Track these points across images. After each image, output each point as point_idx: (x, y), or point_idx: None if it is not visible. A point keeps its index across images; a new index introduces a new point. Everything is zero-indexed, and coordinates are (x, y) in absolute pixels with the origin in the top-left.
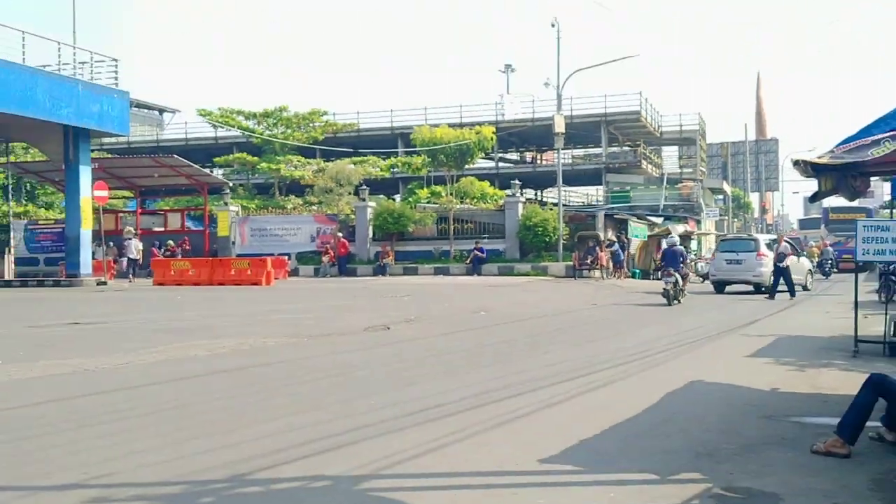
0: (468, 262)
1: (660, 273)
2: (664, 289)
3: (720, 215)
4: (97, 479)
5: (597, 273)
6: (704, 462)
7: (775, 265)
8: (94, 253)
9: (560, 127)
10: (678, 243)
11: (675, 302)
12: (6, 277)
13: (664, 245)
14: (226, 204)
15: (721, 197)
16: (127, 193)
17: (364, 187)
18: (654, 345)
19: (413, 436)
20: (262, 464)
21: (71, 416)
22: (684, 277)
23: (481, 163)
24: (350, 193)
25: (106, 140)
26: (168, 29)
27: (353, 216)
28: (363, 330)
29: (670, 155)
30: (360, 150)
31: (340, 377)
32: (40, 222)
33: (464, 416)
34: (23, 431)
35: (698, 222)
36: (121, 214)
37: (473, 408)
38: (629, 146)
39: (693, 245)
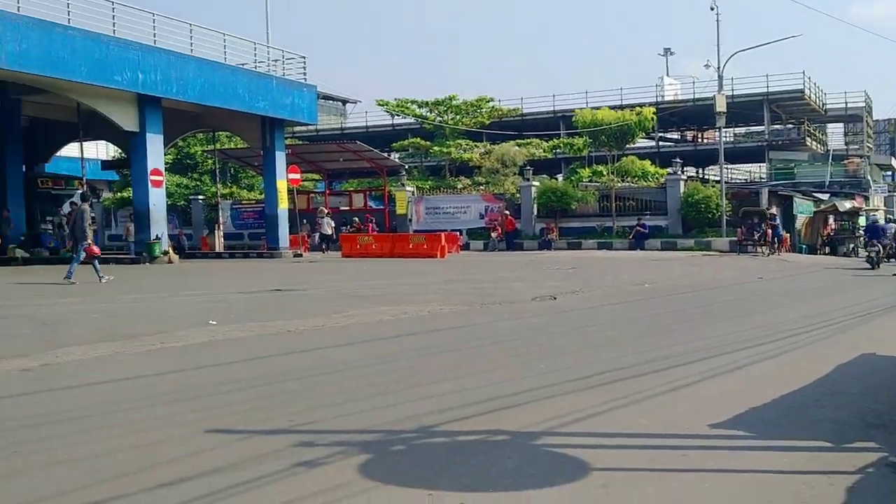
0: (631, 237)
1: (864, 245)
2: (868, 256)
3: (889, 191)
4: (302, 426)
5: (761, 249)
6: (877, 433)
7: None
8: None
9: (721, 106)
10: (880, 220)
11: (877, 267)
12: (217, 250)
13: (862, 221)
14: (402, 185)
15: (889, 173)
16: (316, 176)
17: (528, 168)
18: (827, 316)
19: (584, 398)
20: (445, 418)
21: (276, 371)
22: (885, 248)
23: (642, 142)
24: (515, 174)
25: (297, 128)
26: (347, 25)
27: (518, 195)
28: (531, 299)
29: (835, 131)
30: (523, 133)
31: (511, 342)
32: (243, 202)
33: (632, 381)
34: (237, 384)
35: (866, 198)
36: (311, 195)
37: (642, 374)
38: (792, 124)
39: (861, 221)
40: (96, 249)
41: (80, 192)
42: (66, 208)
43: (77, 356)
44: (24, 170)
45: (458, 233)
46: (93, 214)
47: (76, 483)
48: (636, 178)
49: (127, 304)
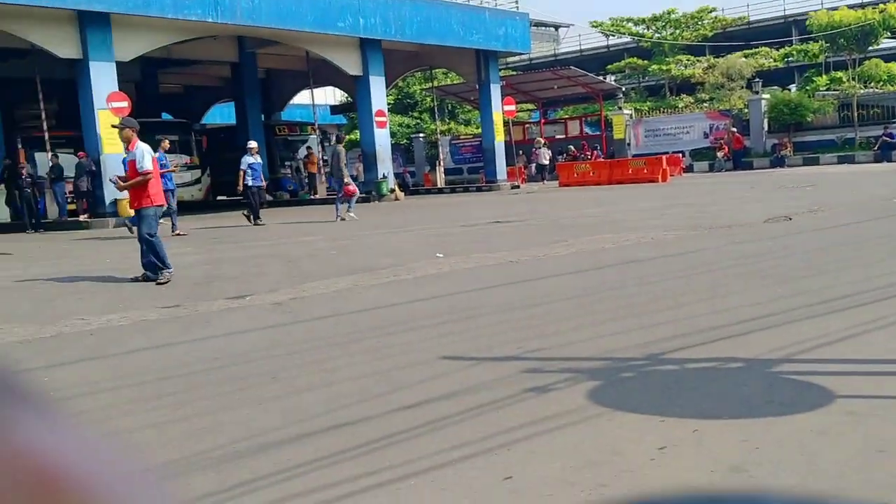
0: (876, 148)
1: None
2: None
3: None
4: (530, 353)
5: None
6: None
7: None
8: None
9: None
10: None
11: None
12: (439, 186)
13: None
14: (619, 108)
15: None
16: (531, 106)
17: (757, 80)
18: None
19: (828, 323)
20: (674, 345)
21: (500, 300)
22: None
23: (887, 43)
24: (742, 87)
25: (510, 59)
26: None
27: (745, 110)
28: (763, 221)
29: None
30: (750, 43)
31: (742, 267)
32: (461, 137)
33: (882, 304)
34: (465, 313)
35: None
36: (526, 126)
37: (893, 297)
38: None
39: None
40: (353, 188)
41: (319, 136)
42: (301, 153)
43: (320, 290)
44: (262, 118)
45: (680, 155)
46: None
47: (327, 406)
48: (881, 84)
49: (361, 240)
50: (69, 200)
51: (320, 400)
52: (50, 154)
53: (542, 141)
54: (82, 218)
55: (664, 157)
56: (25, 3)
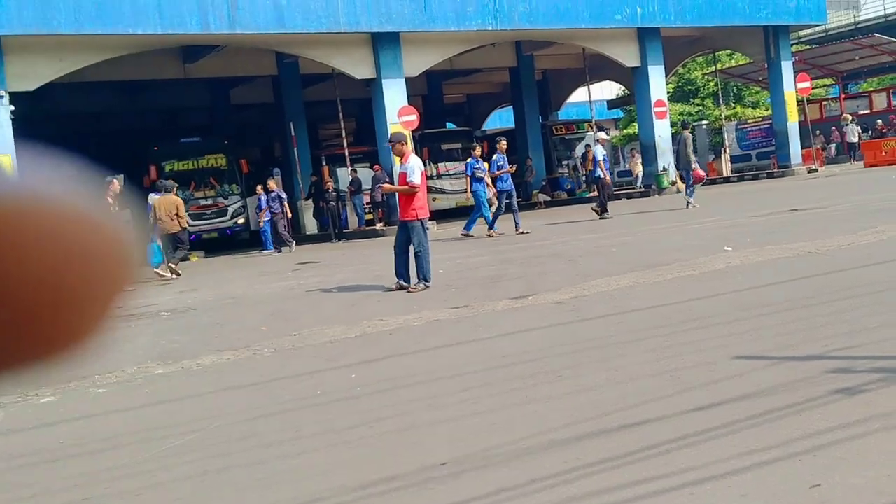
0: None
1: None
2: None
3: None
4: (836, 352)
5: None
6: None
7: None
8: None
9: None
10: None
11: None
12: (724, 175)
13: None
14: None
15: None
16: (828, 81)
17: None
18: None
19: None
20: None
21: (800, 295)
22: None
23: None
24: None
25: (803, 32)
26: None
27: None
28: None
29: None
30: None
31: None
32: (748, 121)
33: None
34: (759, 309)
35: None
36: (824, 102)
37: None
38: None
39: None
40: (701, 173)
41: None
42: (579, 150)
43: (602, 288)
44: (539, 119)
45: None
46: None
47: (615, 405)
48: None
49: (642, 235)
50: (367, 211)
51: (607, 399)
52: (349, 168)
53: (850, 117)
54: (379, 227)
55: None
56: (328, 31)
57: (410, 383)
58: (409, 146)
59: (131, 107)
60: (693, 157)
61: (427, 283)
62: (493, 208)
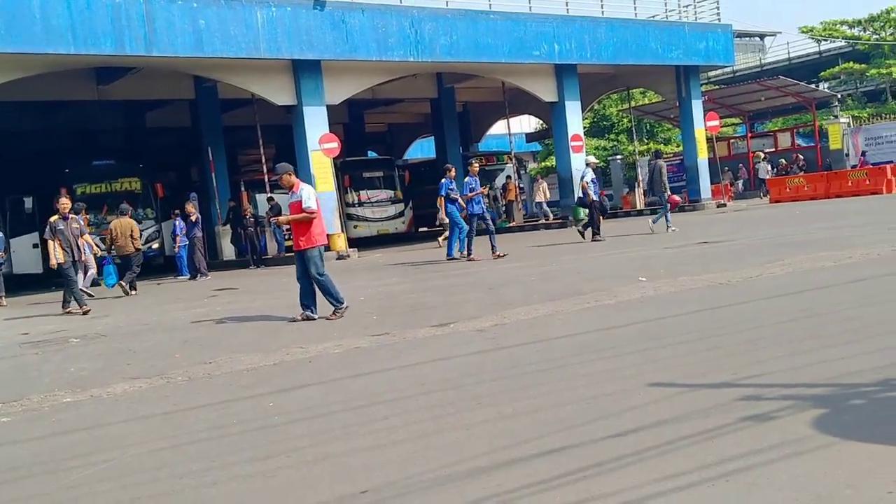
0: None
1: None
2: None
3: None
4: (746, 380)
5: None
6: None
7: None
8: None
9: None
10: None
11: None
12: (638, 207)
13: None
14: (835, 117)
15: None
16: (735, 120)
17: None
18: None
19: None
20: None
21: (710, 324)
22: None
23: None
24: None
25: (712, 73)
26: None
27: None
28: None
29: None
30: None
31: None
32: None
33: None
34: (672, 338)
35: None
36: (732, 140)
37: None
38: None
39: None
40: (677, 199)
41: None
42: (500, 181)
43: (521, 316)
44: (461, 150)
45: None
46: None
47: (534, 432)
48: None
49: (561, 265)
50: (287, 238)
51: (527, 426)
52: (268, 195)
53: (763, 154)
54: None
55: (889, 166)
56: (248, 57)
57: (329, 411)
58: (295, 176)
59: (42, 127)
60: (667, 185)
61: (340, 305)
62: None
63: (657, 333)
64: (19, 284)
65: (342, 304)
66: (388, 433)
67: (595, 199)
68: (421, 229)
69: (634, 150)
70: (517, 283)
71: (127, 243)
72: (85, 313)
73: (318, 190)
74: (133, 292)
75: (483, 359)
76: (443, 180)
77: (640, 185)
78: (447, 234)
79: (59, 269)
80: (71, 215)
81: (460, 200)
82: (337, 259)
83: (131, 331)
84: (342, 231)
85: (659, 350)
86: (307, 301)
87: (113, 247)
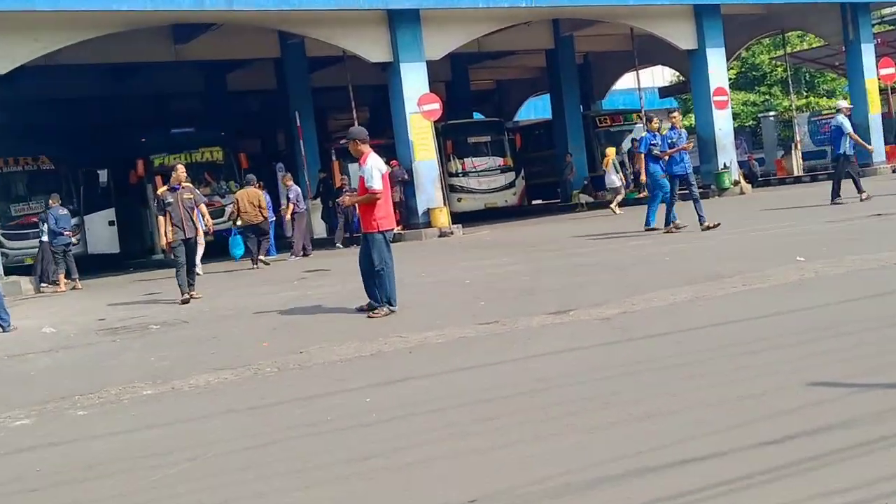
0: None
1: None
2: None
3: None
4: None
5: None
6: None
7: None
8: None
9: None
10: None
11: None
12: (795, 174)
13: None
14: None
15: None
16: None
17: None
18: None
19: None
20: None
21: (880, 313)
22: None
23: None
24: None
25: (885, 10)
26: None
27: None
28: None
29: None
30: None
31: None
32: (823, 113)
33: None
34: (835, 329)
35: None
36: None
37: None
38: None
39: None
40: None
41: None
42: (626, 145)
43: (654, 302)
44: (581, 109)
45: None
46: None
47: (670, 437)
48: None
49: (702, 243)
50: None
51: (661, 430)
52: (320, 169)
53: None
54: (398, 230)
55: None
56: (338, 8)
57: (432, 409)
58: (368, 146)
59: (115, 93)
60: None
61: (392, 307)
62: (620, 197)
63: (818, 323)
64: (95, 265)
65: (394, 306)
66: (499, 434)
67: (849, 151)
68: (535, 202)
69: (791, 106)
70: (648, 264)
71: (256, 213)
72: (185, 302)
73: (416, 158)
74: (262, 265)
75: (609, 352)
76: (643, 134)
77: (798, 146)
78: (619, 198)
79: (170, 249)
80: (183, 184)
81: (663, 158)
82: (439, 236)
83: (215, 316)
84: (444, 204)
85: (820, 343)
86: (372, 290)
87: (239, 217)
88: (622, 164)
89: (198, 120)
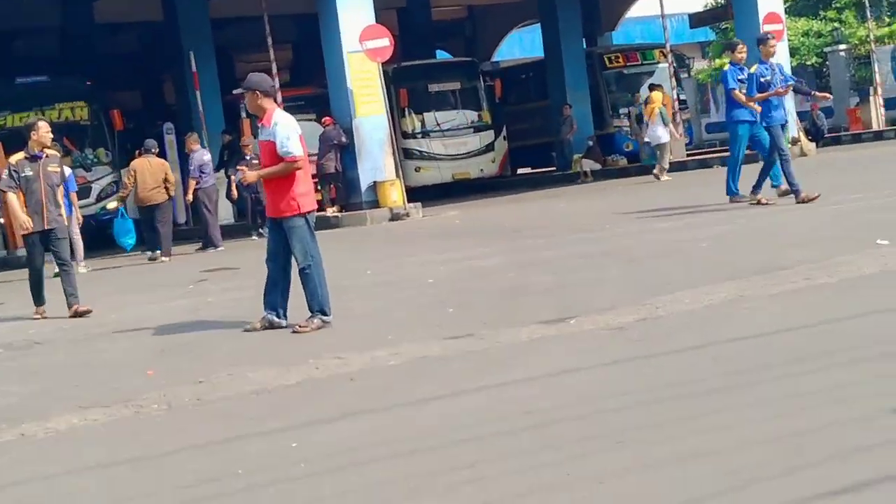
0: None
1: None
2: None
3: None
4: None
5: None
6: None
7: None
8: None
9: None
10: None
11: None
12: (875, 128)
13: None
14: None
15: None
16: None
17: None
18: None
19: None
20: None
21: None
22: None
23: None
24: None
25: None
26: None
27: None
28: None
29: None
30: None
31: None
32: None
33: None
34: None
35: None
36: None
37: None
38: None
39: None
40: None
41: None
42: (643, 93)
43: (684, 305)
44: (584, 45)
45: None
46: None
47: (701, 488)
48: None
49: (746, 223)
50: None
51: (695, 477)
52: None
53: None
54: (330, 212)
55: None
56: None
57: (381, 457)
58: (272, 100)
59: None
60: None
61: (325, 319)
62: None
63: None
64: None
65: (328, 317)
66: (475, 490)
67: None
68: (521, 171)
69: (868, 36)
70: (677, 253)
71: (160, 190)
72: (40, 316)
73: (358, 113)
74: (166, 259)
75: (623, 372)
76: (726, 67)
77: (879, 91)
78: (668, 159)
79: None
80: (48, 152)
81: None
82: (390, 220)
83: (81, 335)
84: (397, 176)
85: None
86: (274, 297)
87: (135, 196)
88: (638, 118)
89: (53, 65)
